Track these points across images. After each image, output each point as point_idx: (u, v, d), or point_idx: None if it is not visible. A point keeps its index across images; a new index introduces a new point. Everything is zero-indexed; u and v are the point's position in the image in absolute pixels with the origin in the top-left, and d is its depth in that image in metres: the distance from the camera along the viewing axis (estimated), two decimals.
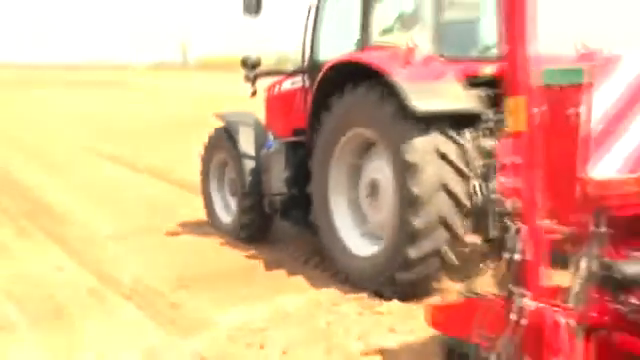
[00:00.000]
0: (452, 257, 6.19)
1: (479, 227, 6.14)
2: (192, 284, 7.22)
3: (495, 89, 6.30)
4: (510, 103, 3.53)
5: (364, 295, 6.60)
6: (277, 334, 5.71)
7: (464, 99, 6.23)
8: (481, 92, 6.49)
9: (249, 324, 5.96)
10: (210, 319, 6.21)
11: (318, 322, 5.92)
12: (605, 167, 3.43)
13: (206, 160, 9.87)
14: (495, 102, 6.19)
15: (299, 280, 7.19)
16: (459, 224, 6.14)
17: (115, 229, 9.93)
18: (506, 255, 3.65)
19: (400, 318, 5.98)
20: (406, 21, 7.58)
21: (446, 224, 6.10)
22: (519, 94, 3.45)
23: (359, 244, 7.05)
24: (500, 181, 3.78)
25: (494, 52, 7.16)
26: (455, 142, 6.18)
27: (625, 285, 3.31)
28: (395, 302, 6.33)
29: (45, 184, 13.96)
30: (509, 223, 3.65)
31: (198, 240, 9.10)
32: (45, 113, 34.23)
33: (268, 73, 9.22)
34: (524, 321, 3.46)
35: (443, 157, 6.08)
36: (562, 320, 3.34)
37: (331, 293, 6.72)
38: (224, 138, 9.35)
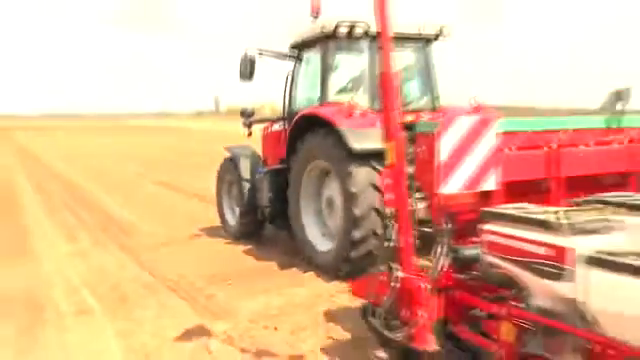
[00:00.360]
0: (379, 255, 6.43)
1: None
2: (221, 280, 7.24)
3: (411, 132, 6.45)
4: (386, 146, 3.95)
5: None
6: (287, 319, 5.73)
7: None
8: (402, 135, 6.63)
9: (265, 311, 5.99)
10: (235, 307, 6.21)
11: (320, 310, 5.93)
12: (450, 186, 4.14)
13: (219, 181, 10.18)
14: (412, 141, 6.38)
15: (304, 277, 7.20)
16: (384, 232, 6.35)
17: (165, 237, 9.95)
18: (387, 243, 4.20)
19: None
20: (350, 85, 7.97)
21: (375, 233, 6.57)
22: (391, 141, 3.89)
23: (320, 241, 7.54)
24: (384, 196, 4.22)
25: (412, 106, 7.63)
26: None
27: (464, 262, 3.99)
28: None
29: (111, 202, 14.00)
30: (389, 223, 4.15)
31: (225, 246, 9.11)
32: (108, 151, 34.27)
33: (259, 120, 9.63)
34: (398, 285, 3.94)
35: (375, 188, 6.46)
36: (422, 284, 3.84)
37: (330, 287, 6.74)
38: (230, 165, 9.69)
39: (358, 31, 7.19)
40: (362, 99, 7.39)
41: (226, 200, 10.01)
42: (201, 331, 5.58)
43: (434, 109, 7.83)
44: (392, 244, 4.08)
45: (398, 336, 3.97)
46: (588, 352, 3.07)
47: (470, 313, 4.03)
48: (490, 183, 4.26)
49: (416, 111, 7.31)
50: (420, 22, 7.75)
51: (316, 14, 7.57)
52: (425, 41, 7.97)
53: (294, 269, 7.55)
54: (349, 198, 6.62)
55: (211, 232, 10.13)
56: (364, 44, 7.51)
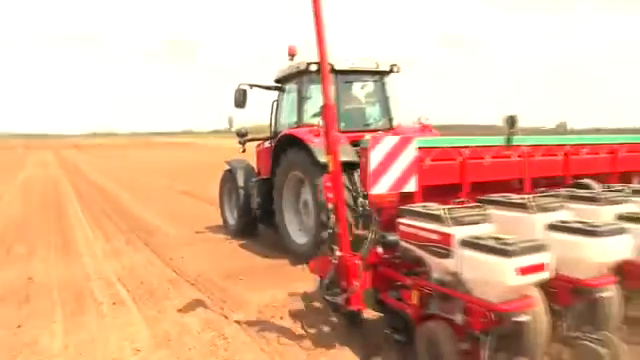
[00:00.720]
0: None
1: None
2: (234, 276, 7.15)
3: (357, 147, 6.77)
4: (327, 158, 4.64)
5: None
6: (292, 309, 5.66)
7: (351, 154, 6.78)
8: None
9: (273, 302, 5.91)
10: (246, 299, 6.15)
11: (319, 301, 5.86)
12: (378, 189, 4.56)
13: (221, 189, 10.53)
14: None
15: (305, 273, 7.15)
16: (352, 222, 6.60)
17: (186, 238, 9.87)
18: (329, 230, 5.26)
19: None
20: (321, 110, 8.08)
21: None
22: (330, 154, 4.57)
23: (298, 235, 7.93)
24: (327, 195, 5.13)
25: (372, 127, 8.22)
26: (348, 178, 6.81)
27: (388, 246, 4.43)
28: None
29: (141, 209, 13.88)
30: (330, 215, 5.14)
31: (237, 246, 9.02)
32: (139, 165, 34.23)
33: (251, 139, 9.85)
34: (337, 262, 4.57)
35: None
36: (356, 262, 4.47)
37: None
38: (229, 176, 10.07)
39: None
40: None
41: (227, 204, 10.33)
42: (217, 320, 5.54)
43: (390, 128, 8.28)
44: (331, 231, 5.00)
45: (338, 299, 4.64)
46: (466, 309, 3.62)
47: (392, 284, 4.54)
48: (410, 186, 4.67)
49: (374, 130, 7.88)
50: (377, 59, 8.27)
51: (292, 56, 8.17)
52: (381, 74, 8.45)
53: (296, 267, 7.47)
54: (318, 202, 7.06)
55: (225, 234, 10.05)
56: (329, 78, 7.79)
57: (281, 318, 5.48)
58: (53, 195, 17.31)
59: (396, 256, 4.44)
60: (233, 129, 9.67)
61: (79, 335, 5.28)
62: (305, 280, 6.81)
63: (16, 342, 5.14)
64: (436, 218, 3.83)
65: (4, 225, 11.71)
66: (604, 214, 4.31)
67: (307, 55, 7.87)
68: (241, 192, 9.46)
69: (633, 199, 4.66)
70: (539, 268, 3.39)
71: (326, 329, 5.11)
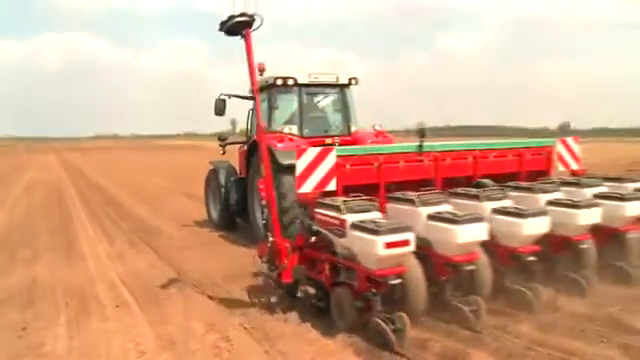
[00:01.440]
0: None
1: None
2: (237, 278, 7.12)
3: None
4: (260, 166, 5.93)
5: None
6: (296, 311, 5.67)
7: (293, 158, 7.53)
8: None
9: (277, 304, 5.89)
10: (250, 302, 6.14)
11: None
12: (304, 188, 5.55)
13: (206, 186, 11.48)
14: None
15: None
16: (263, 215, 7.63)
17: (189, 240, 9.88)
18: (263, 221, 6.23)
19: None
20: (287, 119, 9.10)
21: (296, 218, 7.28)
22: (263, 163, 5.79)
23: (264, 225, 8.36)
24: (262, 194, 6.02)
25: (330, 133, 9.08)
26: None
27: (311, 232, 5.36)
28: None
29: (144, 211, 13.93)
30: (264, 210, 6.06)
31: (239, 248, 8.99)
32: (140, 168, 34.23)
33: (231, 143, 10.56)
34: (271, 245, 5.64)
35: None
36: (286, 245, 5.57)
37: None
38: (213, 175, 10.98)
39: (289, 82, 8.77)
40: (294, 129, 8.80)
41: (211, 200, 11.24)
42: (221, 322, 5.53)
43: (348, 134, 9.23)
44: (264, 221, 6.13)
45: (273, 275, 5.74)
46: (358, 275, 4.89)
47: (314, 261, 5.59)
48: (331, 186, 5.64)
49: (334, 136, 8.92)
50: (338, 73, 9.20)
51: (261, 71, 8.94)
52: (341, 87, 9.32)
53: None
54: (281, 197, 7.63)
55: (227, 236, 10.07)
56: (294, 90, 8.95)
57: (285, 321, 5.48)
58: (56, 198, 17.32)
59: (317, 240, 5.38)
60: (237, 131, 10.18)
61: (83, 338, 5.29)
62: None
63: (21, 345, 5.16)
64: (337, 208, 5.03)
65: (8, 228, 11.73)
66: (481, 208, 5.46)
67: (274, 71, 9.06)
68: (222, 190, 10.35)
69: (512, 194, 5.97)
70: (404, 243, 4.55)
71: (331, 331, 5.12)
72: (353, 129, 9.29)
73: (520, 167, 6.94)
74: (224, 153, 10.44)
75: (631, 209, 5.97)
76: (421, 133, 6.29)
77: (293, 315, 5.57)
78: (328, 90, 9.31)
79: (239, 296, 6.39)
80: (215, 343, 4.98)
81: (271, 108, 8.94)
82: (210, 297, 6.45)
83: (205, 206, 11.47)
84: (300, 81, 8.77)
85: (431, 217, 5.11)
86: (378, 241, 4.44)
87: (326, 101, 9.43)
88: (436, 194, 5.47)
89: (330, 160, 5.63)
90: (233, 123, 9.81)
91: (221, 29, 5.65)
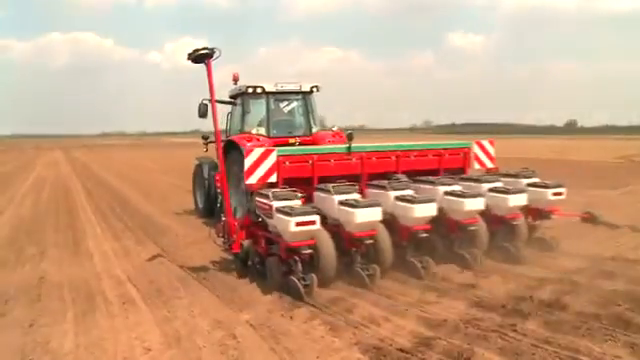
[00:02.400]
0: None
1: None
2: (243, 275, 7.13)
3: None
4: (220, 165, 7.54)
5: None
6: (302, 309, 5.70)
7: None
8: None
9: (281, 303, 5.94)
10: (256, 298, 6.18)
11: (325, 299, 5.88)
12: (250, 180, 6.91)
13: (193, 179, 12.78)
14: None
15: None
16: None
17: (194, 237, 9.89)
18: (218, 204, 8.39)
19: None
20: (257, 121, 10.15)
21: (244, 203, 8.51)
22: (219, 159, 7.37)
23: (236, 212, 8.69)
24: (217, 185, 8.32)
25: (294, 134, 10.19)
26: None
27: (254, 214, 6.93)
28: None
29: (150, 208, 13.94)
30: (219, 197, 7.88)
31: None
32: (147, 165, 34.25)
33: (212, 141, 10.76)
34: (224, 224, 7.25)
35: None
36: (235, 223, 7.06)
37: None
38: (199, 170, 12.16)
39: (258, 90, 9.93)
40: (263, 130, 9.91)
41: (197, 190, 12.50)
42: (227, 319, 5.52)
43: (310, 135, 10.29)
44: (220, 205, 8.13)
45: (226, 246, 7.44)
46: (281, 247, 6.37)
47: (256, 236, 7.04)
48: (272, 179, 7.01)
49: (297, 137, 10.09)
50: (301, 83, 10.31)
51: (235, 81, 10.43)
52: (304, 94, 10.42)
53: None
54: (246, 189, 8.02)
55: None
56: (263, 98, 10.07)
57: (291, 318, 5.47)
58: (63, 195, 17.38)
59: (258, 220, 6.95)
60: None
61: (90, 334, 5.30)
62: None
63: (28, 341, 5.17)
64: (267, 196, 6.45)
65: (16, 225, 11.78)
66: (387, 196, 6.97)
67: (246, 80, 10.31)
68: (205, 182, 11.62)
69: (420, 186, 7.46)
70: (311, 223, 6.01)
71: (337, 328, 5.11)
72: (314, 130, 10.40)
73: (439, 165, 8.28)
74: (207, 150, 11.72)
75: (514, 201, 7.40)
76: (349, 137, 8.10)
77: (300, 312, 5.58)
78: (292, 97, 10.46)
79: (246, 293, 6.41)
80: (221, 340, 4.98)
81: (244, 112, 10.21)
82: (217, 294, 6.45)
83: (193, 197, 12.85)
84: (268, 89, 9.99)
85: (341, 202, 6.55)
86: (291, 221, 5.94)
87: (291, 106, 10.54)
88: (348, 185, 6.90)
89: (272, 158, 7.03)
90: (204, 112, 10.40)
91: (188, 58, 7.04)
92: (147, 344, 4.99)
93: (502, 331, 4.95)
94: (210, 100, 7.32)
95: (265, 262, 6.71)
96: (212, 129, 7.53)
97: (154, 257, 8.51)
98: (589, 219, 9.04)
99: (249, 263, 7.14)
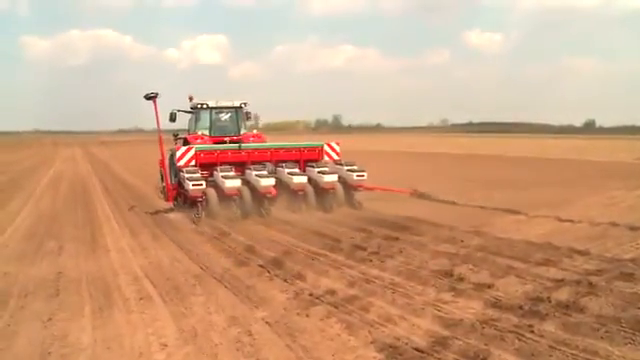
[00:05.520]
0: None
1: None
2: (258, 273, 7.15)
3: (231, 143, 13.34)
4: (161, 154, 13.39)
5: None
6: (317, 307, 5.67)
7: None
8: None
9: (297, 301, 5.93)
10: (272, 296, 6.17)
11: (341, 297, 5.84)
12: (180, 163, 12.15)
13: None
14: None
15: (328, 269, 7.10)
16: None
17: (211, 234, 9.92)
18: (160, 176, 13.89)
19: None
20: (204, 126, 13.91)
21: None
22: (161, 152, 13.05)
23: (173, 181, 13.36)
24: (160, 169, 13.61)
25: (228, 135, 13.89)
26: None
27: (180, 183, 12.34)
28: None
29: (165, 205, 13.96)
30: (161, 174, 13.48)
31: (264, 240, 8.99)
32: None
33: (180, 138, 14.32)
34: (163, 188, 13.25)
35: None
36: (170, 186, 12.74)
37: (351, 274, 6.64)
38: (171, 159, 13.37)
39: (205, 106, 13.88)
40: (207, 132, 13.77)
41: (172, 180, 14.14)
42: (243, 316, 5.52)
43: (238, 135, 13.90)
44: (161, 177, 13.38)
45: (165, 199, 13.20)
46: (189, 197, 11.80)
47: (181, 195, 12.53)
48: (192, 163, 11.97)
49: (228, 136, 13.77)
50: (234, 100, 14.26)
51: (191, 99, 14.09)
52: (236, 108, 14.25)
53: (320, 259, 7.55)
54: (177, 168, 12.36)
55: (250, 228, 10.14)
56: (207, 110, 13.97)
57: (307, 315, 5.46)
58: (81, 189, 17.56)
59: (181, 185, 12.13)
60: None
61: (107, 329, 5.33)
62: (329, 276, 6.82)
63: (46, 335, 5.22)
64: (183, 172, 11.69)
65: (35, 220, 11.95)
66: (250, 173, 11.88)
67: (199, 97, 14.15)
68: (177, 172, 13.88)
69: (278, 168, 12.48)
70: (199, 184, 11.42)
71: (353, 327, 5.08)
72: (242, 132, 14.19)
73: (300, 157, 13.14)
74: (177, 143, 14.25)
75: (327, 178, 12.32)
76: (239, 144, 12.98)
77: (316, 310, 5.57)
78: (227, 110, 14.30)
79: (262, 290, 6.40)
80: (237, 337, 4.97)
81: (196, 120, 14.17)
82: (233, 291, 6.45)
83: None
84: (210, 105, 14.01)
85: (222, 177, 11.48)
86: (190, 183, 11.31)
87: (226, 116, 14.30)
88: (229, 167, 11.87)
89: (192, 152, 12.17)
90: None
91: (144, 97, 12.43)
92: (163, 340, 5.00)
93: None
94: (174, 113, 13.77)
95: (185, 205, 12.31)
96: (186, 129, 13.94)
97: (171, 253, 8.57)
98: (415, 194, 14.23)
99: (174, 203, 13.02)
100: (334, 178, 12.32)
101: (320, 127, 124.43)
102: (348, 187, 12.60)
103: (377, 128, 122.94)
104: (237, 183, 11.43)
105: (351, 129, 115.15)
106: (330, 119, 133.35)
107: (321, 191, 12.28)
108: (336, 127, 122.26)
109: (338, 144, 13.83)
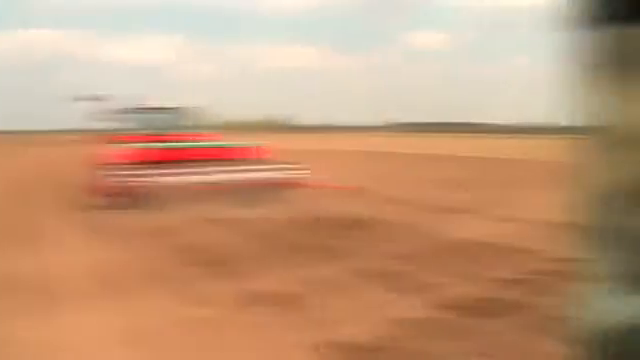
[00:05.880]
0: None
1: None
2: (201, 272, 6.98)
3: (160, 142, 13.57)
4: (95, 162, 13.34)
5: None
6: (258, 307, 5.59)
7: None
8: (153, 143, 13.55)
9: (239, 300, 5.81)
10: (213, 296, 5.97)
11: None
12: (119, 160, 12.37)
13: None
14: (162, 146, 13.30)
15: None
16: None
17: (144, 232, 9.63)
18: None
19: None
20: (139, 124, 14.95)
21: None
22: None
23: None
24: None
25: (162, 131, 14.56)
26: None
27: (117, 183, 11.84)
28: None
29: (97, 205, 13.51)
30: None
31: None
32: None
33: (114, 137, 14.95)
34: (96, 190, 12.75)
35: None
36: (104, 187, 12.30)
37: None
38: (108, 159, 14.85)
39: (140, 107, 15.44)
40: (142, 131, 14.40)
41: None
42: (184, 316, 5.33)
43: (179, 135, 14.72)
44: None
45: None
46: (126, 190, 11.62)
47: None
48: (133, 159, 11.97)
49: (167, 135, 14.36)
50: (168, 103, 16.19)
51: (130, 99, 15.56)
52: (170, 110, 15.82)
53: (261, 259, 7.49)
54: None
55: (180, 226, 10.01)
56: (142, 111, 15.57)
57: (247, 315, 5.38)
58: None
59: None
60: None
61: (56, 328, 5.04)
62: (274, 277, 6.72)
63: None
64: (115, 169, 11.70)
65: None
66: (182, 173, 11.96)
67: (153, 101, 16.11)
68: None
69: (209, 167, 12.29)
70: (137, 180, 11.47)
71: (296, 326, 5.03)
72: (181, 132, 15.11)
73: (224, 156, 13.17)
74: None
75: (246, 175, 12.53)
76: (172, 143, 13.55)
77: (257, 310, 5.45)
78: (164, 112, 15.74)
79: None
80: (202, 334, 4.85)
81: (132, 120, 15.02)
82: (172, 291, 6.18)
83: None
84: (150, 107, 15.52)
85: (153, 174, 11.61)
86: (123, 180, 11.42)
87: (165, 116, 15.62)
88: (161, 165, 11.89)
89: (131, 150, 12.56)
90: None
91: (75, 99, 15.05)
92: (119, 339, 4.80)
93: None
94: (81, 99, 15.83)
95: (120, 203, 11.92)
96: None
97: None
98: (356, 190, 14.37)
99: (107, 202, 12.28)
100: (258, 175, 12.67)
101: (272, 126, 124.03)
102: (284, 185, 12.71)
103: (331, 127, 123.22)
104: (169, 181, 11.55)
105: (304, 128, 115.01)
106: (282, 119, 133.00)
107: (246, 189, 12.20)
108: (290, 126, 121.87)
109: (267, 146, 14.30)
